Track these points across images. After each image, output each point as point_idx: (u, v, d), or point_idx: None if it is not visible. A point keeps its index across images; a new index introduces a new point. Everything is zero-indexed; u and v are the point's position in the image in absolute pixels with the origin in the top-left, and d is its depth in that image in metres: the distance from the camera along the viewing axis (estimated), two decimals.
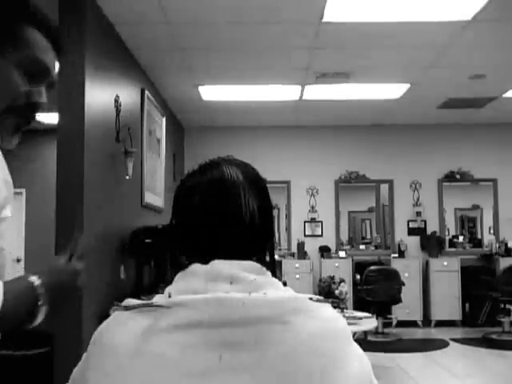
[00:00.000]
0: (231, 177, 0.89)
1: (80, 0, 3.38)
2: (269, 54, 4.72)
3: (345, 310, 4.85)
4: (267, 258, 0.93)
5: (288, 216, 7.77)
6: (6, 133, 0.97)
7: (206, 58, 4.79)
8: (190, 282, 0.83)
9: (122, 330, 0.79)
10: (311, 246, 7.60)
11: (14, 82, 0.95)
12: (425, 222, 7.75)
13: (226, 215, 0.86)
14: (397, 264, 7.19)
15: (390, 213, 7.87)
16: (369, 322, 4.63)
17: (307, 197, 7.70)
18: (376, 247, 7.94)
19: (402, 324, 7.00)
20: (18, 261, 7.65)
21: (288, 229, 7.78)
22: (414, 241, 7.70)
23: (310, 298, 0.84)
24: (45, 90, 1.00)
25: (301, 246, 7.55)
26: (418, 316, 7.23)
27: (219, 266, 0.83)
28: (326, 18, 3.92)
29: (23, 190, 7.67)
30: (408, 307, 7.00)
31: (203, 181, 0.89)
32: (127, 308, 0.81)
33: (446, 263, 7.34)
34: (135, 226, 4.33)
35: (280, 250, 7.59)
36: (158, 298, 0.83)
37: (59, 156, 3.31)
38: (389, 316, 6.88)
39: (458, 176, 7.73)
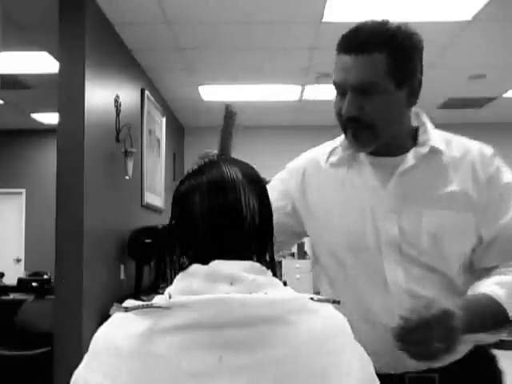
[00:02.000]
0: (231, 176, 0.88)
1: (80, 0, 3.38)
2: (269, 53, 4.71)
3: None
4: (267, 258, 0.93)
5: None
6: (350, 139, 1.23)
7: (206, 58, 4.78)
8: (190, 283, 0.83)
9: (123, 332, 0.79)
10: None
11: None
12: None
13: (227, 215, 0.86)
14: None
15: None
16: None
17: None
18: None
19: None
20: (18, 261, 7.65)
21: None
22: None
23: (311, 298, 0.84)
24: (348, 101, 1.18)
25: (301, 246, 7.55)
26: None
27: (219, 266, 0.83)
28: (325, 18, 3.92)
29: (23, 190, 7.67)
30: None
31: (203, 181, 0.88)
32: (127, 309, 0.81)
33: None
34: (135, 226, 4.33)
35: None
36: (158, 299, 0.83)
37: (59, 156, 3.31)
38: None
39: None
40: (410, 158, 1.23)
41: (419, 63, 1.22)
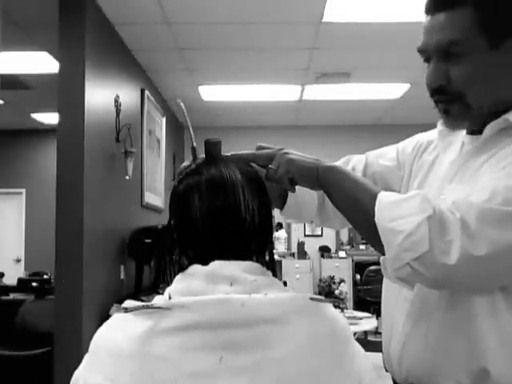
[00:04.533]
0: (230, 176, 0.88)
1: (80, 0, 3.38)
2: (269, 54, 4.71)
3: (345, 310, 4.85)
4: (266, 258, 0.93)
5: None
6: (441, 115, 1.07)
7: (206, 58, 4.78)
8: (189, 283, 0.83)
9: (123, 333, 0.79)
10: (311, 246, 7.60)
11: None
12: None
13: (226, 215, 0.86)
14: None
15: None
16: (369, 322, 4.63)
17: None
18: None
19: None
20: (18, 261, 7.65)
21: (288, 229, 7.77)
22: None
23: (311, 298, 0.84)
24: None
25: (301, 245, 7.55)
26: None
27: (219, 266, 0.83)
28: (325, 18, 3.91)
29: (23, 190, 7.67)
30: None
31: (201, 180, 0.88)
32: (127, 310, 0.80)
33: None
34: (135, 226, 4.33)
35: (277, 250, 7.59)
36: (157, 300, 0.82)
37: (59, 156, 3.31)
38: None
39: None
40: (484, 136, 1.02)
41: None
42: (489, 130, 1.02)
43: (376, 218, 0.91)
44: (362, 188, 0.98)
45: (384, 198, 0.93)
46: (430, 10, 1.02)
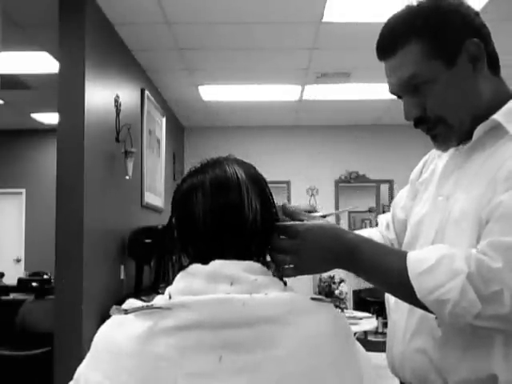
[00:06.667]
0: (234, 176, 0.88)
1: (80, 0, 3.38)
2: (269, 53, 4.71)
3: (345, 310, 4.85)
4: (267, 258, 0.93)
5: None
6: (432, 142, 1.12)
7: (206, 58, 4.78)
8: (190, 283, 0.83)
9: (123, 332, 0.79)
10: None
11: None
12: None
13: (229, 213, 0.86)
14: None
15: None
16: (369, 322, 4.63)
17: (307, 197, 7.69)
18: None
19: None
20: (18, 261, 7.65)
21: None
22: None
23: (312, 298, 0.84)
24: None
25: None
26: None
27: (220, 266, 0.83)
28: (325, 18, 3.92)
29: (23, 190, 7.66)
30: None
31: (206, 179, 0.88)
32: (127, 312, 0.80)
33: None
34: (135, 226, 4.33)
35: None
36: (158, 299, 0.83)
37: (59, 156, 3.31)
38: None
39: None
40: (474, 137, 1.05)
41: (466, 23, 1.06)
42: (478, 131, 1.04)
43: (417, 294, 0.92)
44: (387, 264, 0.98)
45: (413, 268, 0.93)
46: (382, 56, 1.09)
